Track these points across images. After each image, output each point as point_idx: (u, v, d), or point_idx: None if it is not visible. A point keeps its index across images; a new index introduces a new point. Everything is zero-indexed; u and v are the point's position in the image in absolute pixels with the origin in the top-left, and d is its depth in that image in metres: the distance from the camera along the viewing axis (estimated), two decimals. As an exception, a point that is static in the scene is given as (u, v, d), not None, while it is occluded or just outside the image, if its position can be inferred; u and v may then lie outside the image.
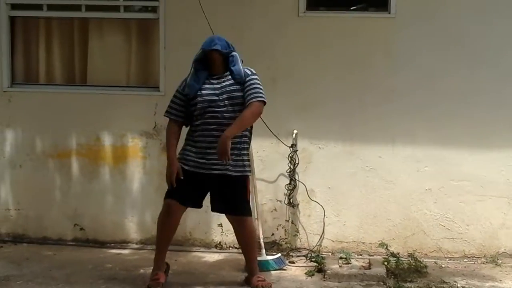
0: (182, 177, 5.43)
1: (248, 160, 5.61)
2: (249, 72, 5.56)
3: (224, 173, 5.42)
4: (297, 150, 6.79)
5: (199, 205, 5.68)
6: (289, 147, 6.79)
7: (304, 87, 6.83)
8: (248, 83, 5.50)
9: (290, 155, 6.78)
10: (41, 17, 7.35)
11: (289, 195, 6.79)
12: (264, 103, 5.51)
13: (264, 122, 6.60)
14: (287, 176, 6.81)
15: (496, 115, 6.69)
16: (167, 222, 5.62)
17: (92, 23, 7.31)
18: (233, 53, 5.55)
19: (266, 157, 6.90)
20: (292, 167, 6.78)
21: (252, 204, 6.61)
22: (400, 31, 6.74)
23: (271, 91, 6.68)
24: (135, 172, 7.04)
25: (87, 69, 7.32)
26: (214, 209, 5.68)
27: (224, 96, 5.44)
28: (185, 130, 5.64)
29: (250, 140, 5.68)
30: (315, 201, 6.81)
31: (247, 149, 5.63)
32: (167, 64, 6.90)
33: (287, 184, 6.80)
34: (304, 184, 6.81)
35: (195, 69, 5.57)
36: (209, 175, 5.44)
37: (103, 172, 7.11)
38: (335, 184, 6.84)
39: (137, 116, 6.96)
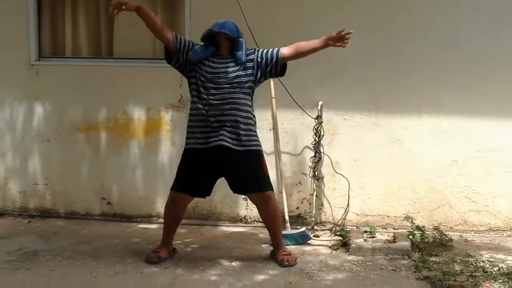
0: None
1: (257, 136, 5.63)
2: (253, 49, 5.72)
3: (230, 147, 5.44)
4: (322, 122, 6.76)
5: (208, 193, 5.76)
6: (314, 118, 6.76)
7: (328, 56, 6.71)
8: (260, 52, 5.67)
9: (315, 127, 6.75)
10: (67, -11, 7.36)
11: (314, 168, 6.79)
12: None
13: (289, 93, 6.62)
14: (312, 148, 6.80)
15: (524, 83, 6.60)
16: (173, 211, 5.78)
17: (118, -7, 7.30)
18: (240, 39, 5.62)
19: (291, 130, 6.89)
20: (317, 139, 6.76)
21: (277, 177, 6.69)
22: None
23: (296, 60, 6.65)
24: (161, 145, 7.08)
25: (113, 41, 7.31)
26: (235, 190, 5.71)
27: (226, 76, 5.51)
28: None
29: (255, 120, 5.70)
30: (340, 173, 6.79)
31: (254, 125, 5.64)
32: (193, 35, 6.77)
33: (312, 157, 6.79)
34: (329, 157, 6.79)
35: (204, 44, 5.66)
36: (218, 148, 5.45)
37: (129, 146, 7.16)
38: (360, 156, 6.81)
39: (162, 88, 6.97)
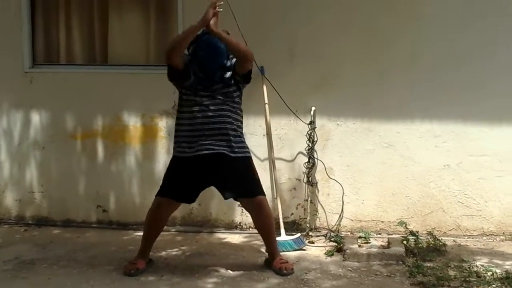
0: None
1: (244, 142, 5.66)
2: None
3: (222, 152, 5.44)
4: (315, 128, 6.77)
5: (192, 200, 5.78)
6: (308, 124, 6.78)
7: (321, 61, 6.79)
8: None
9: (309, 132, 6.77)
10: (61, -5, 7.37)
11: (308, 174, 6.80)
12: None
13: (282, 99, 6.64)
14: (306, 154, 6.81)
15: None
16: (156, 220, 5.75)
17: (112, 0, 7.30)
18: None
19: (284, 135, 6.90)
20: (310, 145, 6.77)
21: (271, 183, 6.72)
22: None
23: (288, 66, 6.74)
24: (155, 152, 7.08)
25: (108, 48, 7.32)
26: (226, 196, 5.68)
27: (217, 82, 5.52)
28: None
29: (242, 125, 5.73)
30: (333, 179, 6.82)
31: (242, 132, 5.67)
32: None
33: (305, 163, 6.81)
34: (322, 162, 6.81)
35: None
36: (208, 156, 5.43)
37: (124, 153, 7.16)
38: (353, 161, 6.83)
39: (156, 95, 6.95)
